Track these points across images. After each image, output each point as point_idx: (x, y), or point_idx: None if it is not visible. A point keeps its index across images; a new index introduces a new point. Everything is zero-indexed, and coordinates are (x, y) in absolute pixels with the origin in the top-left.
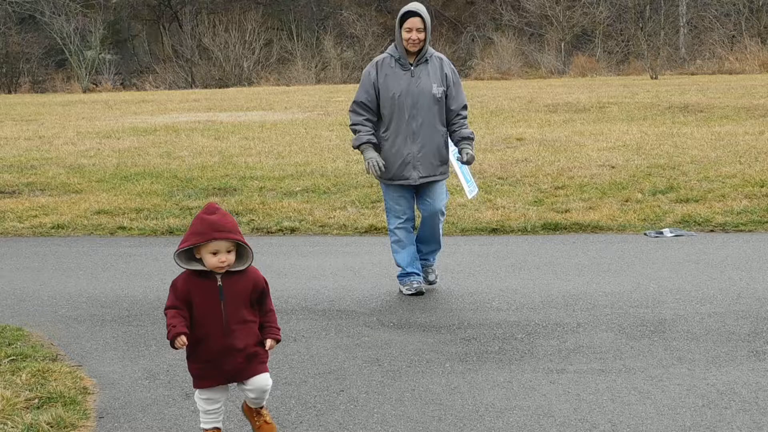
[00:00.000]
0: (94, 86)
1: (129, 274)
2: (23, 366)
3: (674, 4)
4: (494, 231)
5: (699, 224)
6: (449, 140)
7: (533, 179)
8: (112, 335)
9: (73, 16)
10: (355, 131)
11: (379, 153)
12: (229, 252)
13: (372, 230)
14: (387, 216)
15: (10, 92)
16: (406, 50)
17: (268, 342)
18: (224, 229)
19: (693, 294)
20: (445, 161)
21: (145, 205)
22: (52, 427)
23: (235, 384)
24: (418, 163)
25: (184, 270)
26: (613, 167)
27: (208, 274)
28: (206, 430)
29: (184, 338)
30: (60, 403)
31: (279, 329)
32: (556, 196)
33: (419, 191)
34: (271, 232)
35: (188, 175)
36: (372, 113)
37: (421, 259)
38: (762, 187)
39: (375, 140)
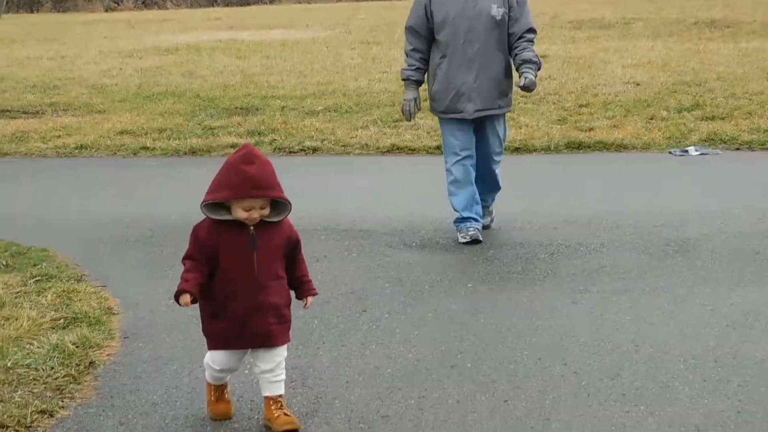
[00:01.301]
0: (116, 5)
1: (152, 194)
2: (48, 287)
3: None
4: (517, 150)
5: (725, 142)
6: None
7: (557, 97)
8: (136, 256)
9: None
10: (406, 64)
11: (432, 80)
12: (263, 208)
13: (394, 149)
14: (444, 153)
15: (32, 11)
16: None
17: (309, 299)
18: (263, 186)
19: (718, 213)
20: (505, 93)
21: (167, 125)
22: (77, 347)
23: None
24: (474, 94)
25: (208, 218)
26: (637, 84)
27: (238, 224)
28: (216, 386)
29: (187, 298)
30: (85, 323)
31: (312, 282)
32: (579, 114)
33: (477, 125)
34: (293, 152)
35: (210, 94)
36: (422, 40)
37: (484, 203)
38: None
39: (418, 76)
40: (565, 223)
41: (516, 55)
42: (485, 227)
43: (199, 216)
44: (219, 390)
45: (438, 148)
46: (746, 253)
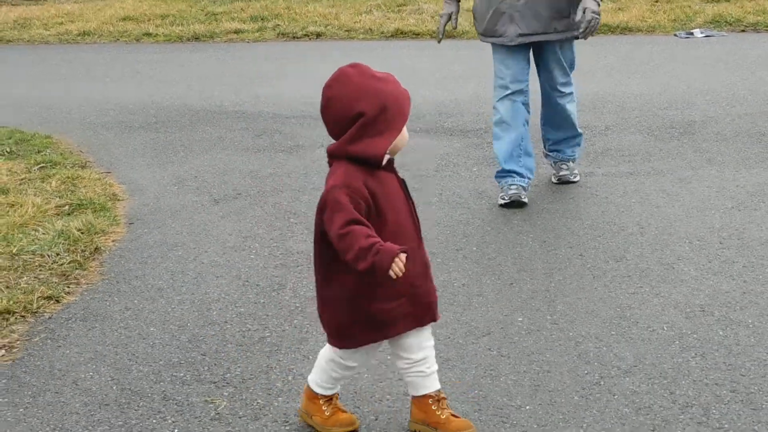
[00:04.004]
0: None
1: (156, 80)
2: (53, 173)
3: None
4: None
5: (730, 24)
6: None
7: None
8: (140, 142)
9: None
10: None
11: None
12: None
13: (398, 34)
14: (494, 84)
15: None
16: None
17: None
18: (405, 94)
19: (723, 95)
20: (565, 12)
21: (170, 11)
22: (82, 233)
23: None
24: (517, 13)
25: (345, 168)
26: None
27: (385, 167)
28: (325, 396)
29: (404, 258)
30: (90, 209)
31: None
32: None
33: (536, 51)
34: (297, 38)
35: None
36: None
37: (549, 151)
38: None
39: None
40: None
41: None
42: (563, 181)
43: (202, 100)
44: (331, 401)
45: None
46: (752, 134)
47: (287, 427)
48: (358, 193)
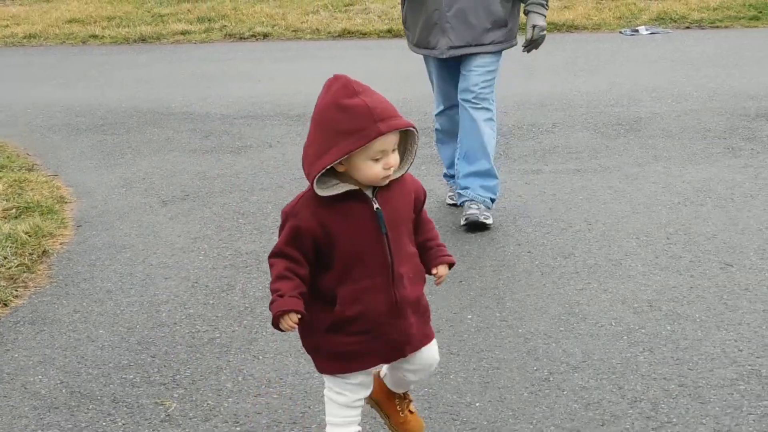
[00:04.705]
0: None
1: (102, 82)
2: None
3: None
4: None
5: (675, 21)
6: None
7: None
8: (88, 144)
9: None
10: None
11: (403, 6)
12: (393, 151)
13: (345, 34)
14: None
15: None
16: None
17: (442, 270)
18: (388, 115)
19: (669, 92)
20: (501, 23)
21: (116, 13)
22: (30, 236)
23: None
24: (448, 25)
25: (304, 194)
26: None
27: (355, 195)
28: None
29: (295, 318)
30: (37, 212)
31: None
32: None
33: (462, 65)
34: (244, 38)
35: None
36: None
37: (460, 187)
38: None
39: None
40: (515, 105)
41: None
42: (475, 224)
43: (149, 102)
44: None
45: (389, 31)
46: (697, 130)
47: (238, 428)
48: (301, 224)
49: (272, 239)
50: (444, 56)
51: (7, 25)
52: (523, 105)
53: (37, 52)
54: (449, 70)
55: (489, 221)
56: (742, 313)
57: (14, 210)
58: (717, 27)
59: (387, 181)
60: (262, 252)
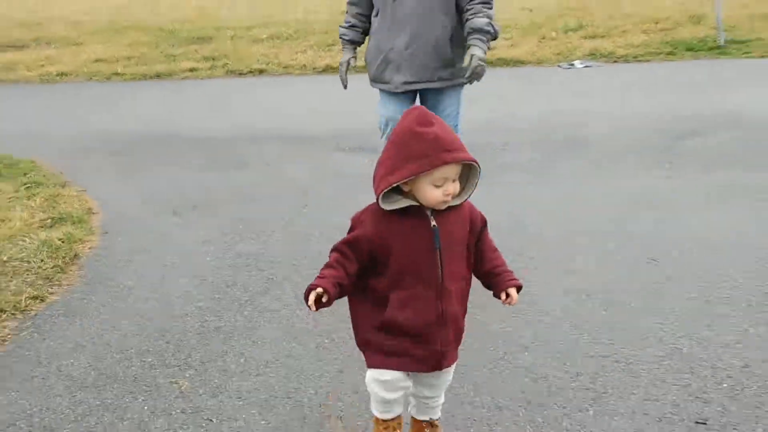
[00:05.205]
0: None
1: (123, 113)
2: (37, 192)
3: None
4: None
5: (604, 56)
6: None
7: None
8: (111, 164)
9: None
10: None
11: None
12: (454, 181)
13: (328, 69)
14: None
15: None
16: None
17: (512, 291)
18: (454, 148)
19: (602, 115)
20: (449, 63)
21: (135, 54)
22: (63, 242)
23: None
24: (404, 62)
25: (370, 206)
26: (530, 10)
27: (416, 211)
28: (386, 420)
29: (318, 293)
30: (69, 222)
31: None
32: None
33: (423, 99)
34: (243, 74)
35: (170, 27)
36: None
37: None
38: (656, 23)
39: (353, 35)
40: (471, 127)
41: (466, 20)
42: None
43: (162, 128)
44: (389, 425)
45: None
46: (629, 147)
47: (241, 403)
48: (364, 232)
49: (268, 243)
50: (398, 90)
51: (43, 65)
52: (477, 127)
53: (68, 88)
54: (401, 103)
55: None
56: (666, 300)
57: (49, 220)
58: (640, 61)
59: (445, 206)
60: (260, 254)
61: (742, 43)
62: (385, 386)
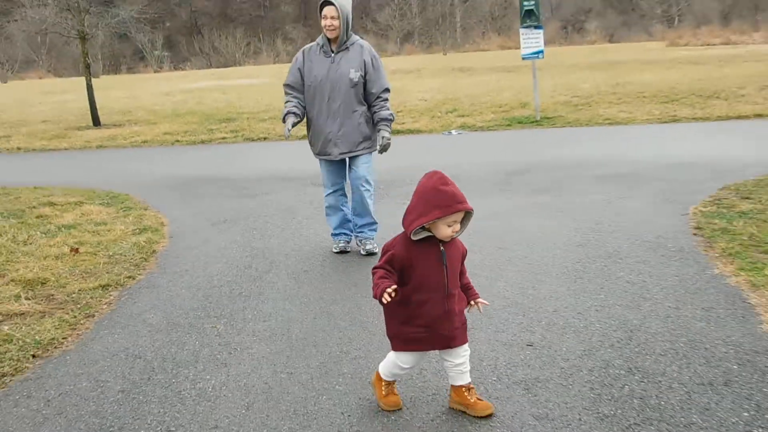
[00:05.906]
0: (159, 69)
1: (182, 164)
2: (129, 213)
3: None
4: None
5: (470, 127)
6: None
7: None
8: (173, 195)
9: (146, 32)
10: (285, 105)
11: (309, 129)
12: (457, 222)
13: (304, 138)
14: (323, 184)
15: (116, 73)
16: (328, 39)
17: (480, 301)
18: (462, 200)
19: (467, 162)
20: (367, 137)
21: (188, 129)
22: (145, 243)
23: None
24: (339, 140)
25: (400, 236)
26: (425, 100)
27: (431, 240)
28: (388, 382)
29: (393, 288)
30: (149, 231)
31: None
32: (399, 113)
33: (349, 163)
34: (253, 140)
35: (210, 113)
36: (299, 92)
37: (357, 232)
38: (500, 107)
39: (296, 110)
40: (388, 172)
41: (374, 113)
42: (369, 253)
43: (205, 173)
44: (389, 386)
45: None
46: (487, 179)
47: (255, 338)
48: (394, 255)
49: (270, 242)
50: (336, 159)
51: (132, 137)
52: (389, 174)
53: (148, 150)
54: (337, 167)
55: (377, 249)
56: (507, 270)
57: (138, 230)
58: (492, 130)
59: (450, 239)
60: (265, 248)
61: (550, 119)
62: (401, 366)
